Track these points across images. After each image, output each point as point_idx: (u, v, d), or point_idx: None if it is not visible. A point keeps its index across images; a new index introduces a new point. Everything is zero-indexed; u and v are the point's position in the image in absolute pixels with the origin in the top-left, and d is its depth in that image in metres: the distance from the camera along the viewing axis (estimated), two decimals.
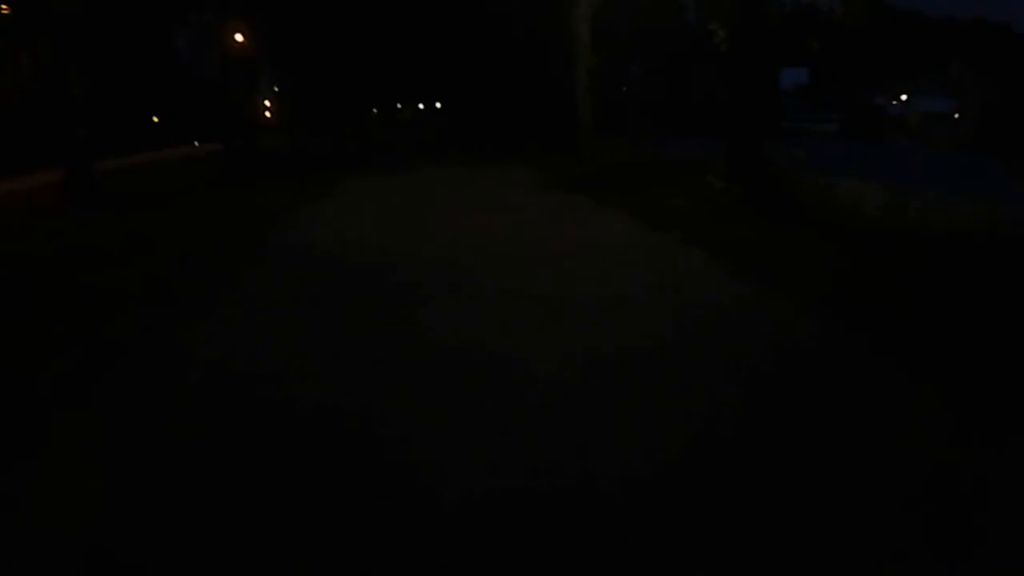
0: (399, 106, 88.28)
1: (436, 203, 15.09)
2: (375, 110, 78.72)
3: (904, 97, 67.69)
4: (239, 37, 36.27)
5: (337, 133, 59.15)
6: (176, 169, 29.99)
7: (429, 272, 8.36)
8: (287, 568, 3.00)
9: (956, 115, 59.83)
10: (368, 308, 6.98)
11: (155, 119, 70.79)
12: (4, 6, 30.19)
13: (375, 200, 16.15)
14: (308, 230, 12.19)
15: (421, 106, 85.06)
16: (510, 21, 30.24)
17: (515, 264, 8.60)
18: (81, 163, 18.24)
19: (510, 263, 8.66)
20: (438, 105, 74.66)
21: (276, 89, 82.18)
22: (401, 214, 13.70)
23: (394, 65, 54.26)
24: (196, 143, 72.15)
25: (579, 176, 17.42)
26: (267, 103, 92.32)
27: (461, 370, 5.18)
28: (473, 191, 16.69)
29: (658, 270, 8.00)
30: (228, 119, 31.13)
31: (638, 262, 8.47)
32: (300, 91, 66.68)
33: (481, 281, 7.78)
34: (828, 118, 58.42)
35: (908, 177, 17.16)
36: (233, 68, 31.61)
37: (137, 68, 54.66)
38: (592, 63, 21.62)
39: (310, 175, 22.69)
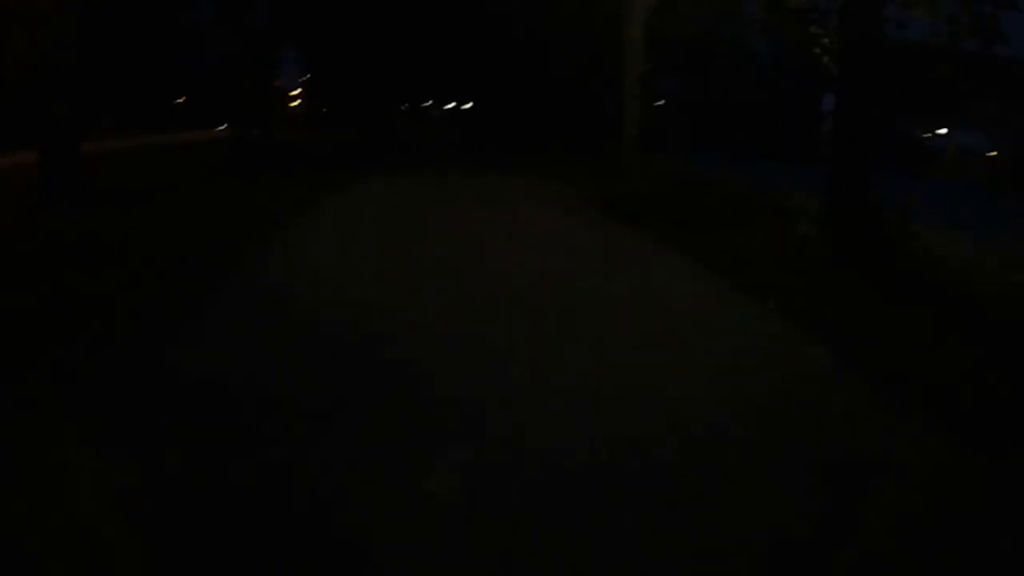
0: (428, 104, 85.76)
1: (455, 227, 12.29)
2: (404, 107, 76.36)
3: (943, 131, 64.76)
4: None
5: (363, 128, 56.84)
6: (181, 155, 27.67)
7: (442, 363, 5.46)
8: None
9: (993, 152, 57.17)
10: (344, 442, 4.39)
11: (179, 100, 67.85)
12: None
13: (381, 217, 13.58)
14: (290, 260, 9.71)
15: (451, 105, 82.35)
16: (550, 21, 27.61)
17: (571, 362, 5.52)
18: (61, 145, 15.59)
19: (564, 359, 5.61)
20: (468, 105, 72.11)
21: (304, 79, 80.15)
22: (410, 242, 10.96)
23: (425, 63, 51.71)
24: (224, 126, 69.72)
25: (623, 199, 14.69)
26: (293, 93, 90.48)
27: None
28: (501, 213, 14.14)
29: (775, 390, 5.23)
30: (241, 104, 28.59)
31: (739, 362, 5.70)
32: (328, 82, 64.37)
33: (523, 397, 4.86)
34: None
35: (986, 223, 14.65)
36: (251, 51, 29.09)
37: (158, 43, 51.97)
38: (644, 69, 19.04)
39: (319, 175, 20.27)
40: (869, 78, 9.41)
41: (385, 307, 6.94)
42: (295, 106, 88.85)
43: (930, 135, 65.98)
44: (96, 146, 30.91)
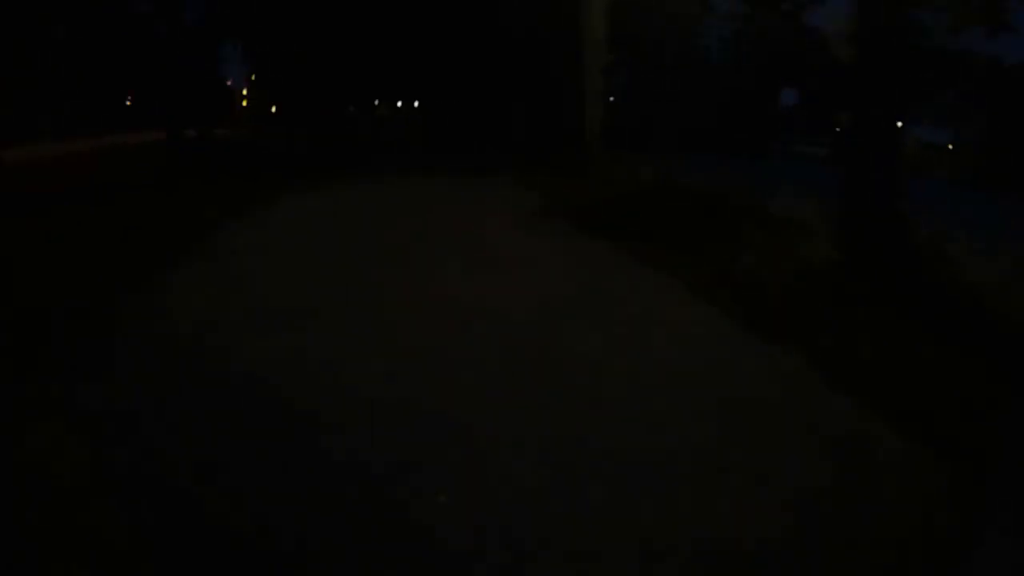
0: (377, 103, 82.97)
1: (401, 248, 10.11)
2: (352, 107, 73.69)
3: (899, 125, 63.60)
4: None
5: (312, 128, 54.45)
6: (118, 159, 25.41)
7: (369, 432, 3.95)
8: None
9: (950, 146, 56.44)
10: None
11: (127, 100, 64.36)
12: None
13: (318, 229, 11.67)
14: (202, 282, 7.74)
15: (399, 104, 79.61)
16: (506, 11, 25.67)
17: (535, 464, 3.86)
18: None
19: (531, 449, 4.00)
20: (416, 104, 69.74)
21: (253, 78, 77.38)
22: (343, 269, 8.91)
23: (375, 60, 49.32)
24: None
25: (589, 206, 12.95)
26: (244, 92, 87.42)
27: None
28: (453, 220, 12.34)
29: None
30: (175, 104, 26.33)
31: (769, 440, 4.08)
32: (277, 80, 61.70)
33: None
34: (818, 141, 54.62)
35: (997, 227, 13.22)
36: (187, 48, 26.90)
37: (96, 38, 48.88)
38: (605, 60, 17.30)
39: (258, 179, 18.30)
40: (893, 70, 7.75)
41: (308, 365, 5.13)
42: (245, 105, 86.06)
43: None
44: (28, 151, 28.65)
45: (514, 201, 14.62)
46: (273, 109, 77.19)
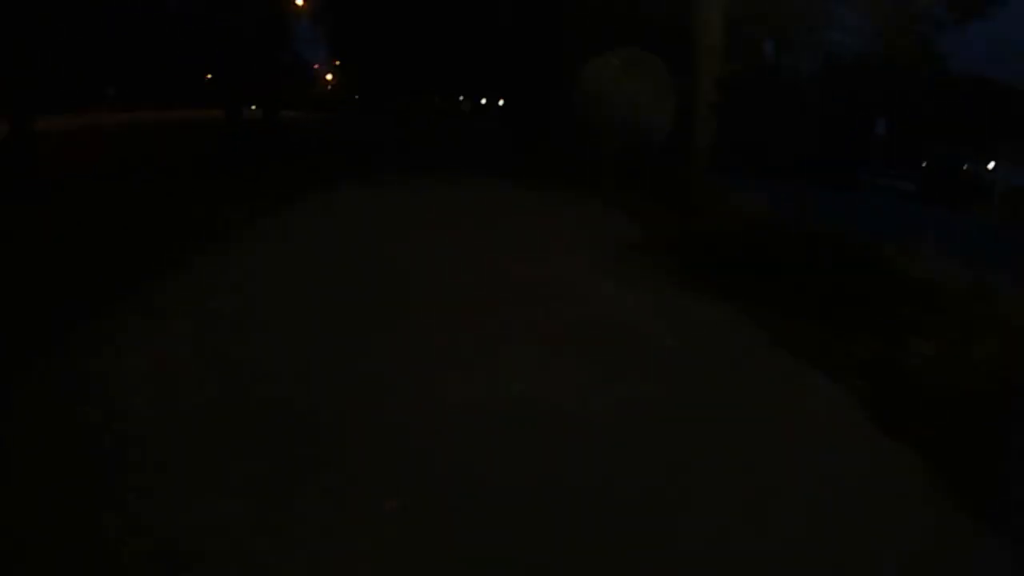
0: (461, 98, 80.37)
1: (444, 291, 7.33)
2: (437, 98, 71.21)
3: (991, 165, 58.03)
4: None
5: (390, 117, 52.31)
6: (160, 134, 23.51)
7: None
8: None
9: None
10: None
11: (208, 76, 62.51)
12: None
13: (360, 248, 9.15)
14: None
15: (484, 100, 76.72)
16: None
17: None
18: None
19: None
20: (501, 102, 66.99)
21: (337, 63, 75.73)
22: (389, 306, 6.51)
23: (463, 53, 46.52)
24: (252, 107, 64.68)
25: (699, 245, 9.88)
26: (329, 76, 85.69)
27: None
28: (520, 249, 9.58)
29: None
30: (238, 83, 24.13)
31: None
32: (359, 67, 59.58)
33: None
34: (905, 175, 50.09)
35: None
36: (253, 22, 24.65)
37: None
38: (724, 70, 14.33)
39: (313, 171, 15.97)
40: None
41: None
42: (329, 89, 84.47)
43: (986, 169, 59.74)
44: (89, 120, 26.84)
45: (601, 227, 11.69)
46: (356, 96, 75.60)
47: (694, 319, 6.90)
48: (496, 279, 7.80)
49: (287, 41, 35.87)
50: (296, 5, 42.63)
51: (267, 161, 17.63)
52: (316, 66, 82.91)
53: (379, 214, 11.41)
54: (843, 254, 9.03)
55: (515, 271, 8.20)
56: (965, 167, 51.40)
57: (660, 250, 9.94)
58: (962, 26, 28.25)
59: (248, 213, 10.12)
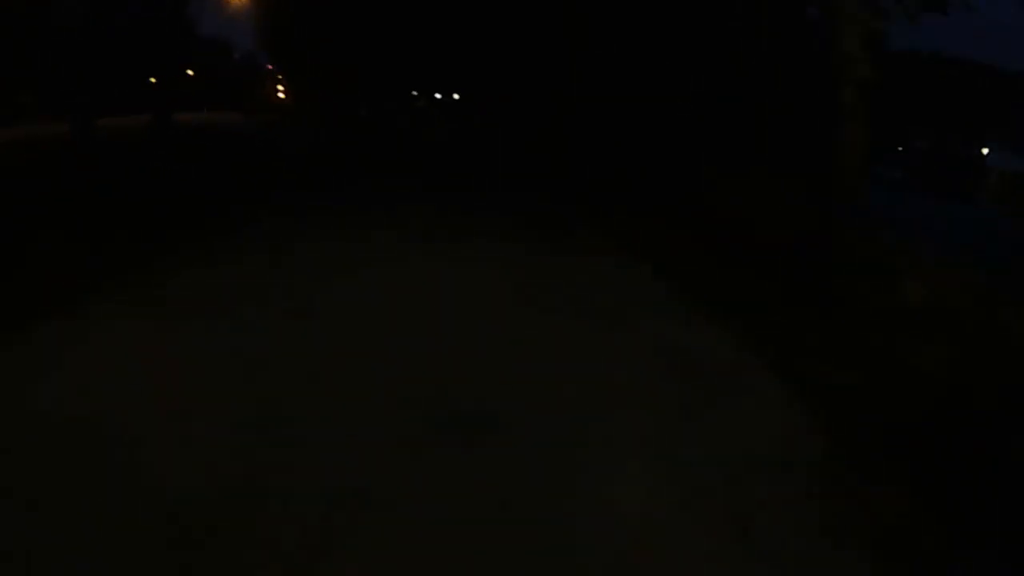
0: (415, 94, 73.14)
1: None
2: (389, 96, 64.38)
3: (985, 151, 53.96)
4: None
5: (337, 119, 45.89)
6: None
7: None
8: None
9: None
10: None
11: (152, 80, 55.35)
12: None
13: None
14: None
15: (438, 95, 68.93)
16: None
17: None
18: None
19: None
20: (456, 96, 60.17)
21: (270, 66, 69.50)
22: None
23: (416, 40, 39.41)
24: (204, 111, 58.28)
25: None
26: (280, 76, 78.68)
27: None
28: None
29: None
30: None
31: None
32: (301, 67, 52.96)
33: None
34: (892, 161, 45.57)
35: None
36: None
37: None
38: (863, 73, 8.79)
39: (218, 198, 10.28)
40: None
41: None
42: (281, 91, 77.74)
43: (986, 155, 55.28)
44: None
45: (709, 380, 5.95)
46: (294, 97, 68.80)
47: None
48: None
49: (183, 19, 28.53)
50: None
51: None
52: (269, 67, 75.72)
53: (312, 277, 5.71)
54: None
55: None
56: (973, 154, 46.74)
57: (887, 485, 4.27)
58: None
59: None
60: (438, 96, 68.06)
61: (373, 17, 35.91)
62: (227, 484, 3.68)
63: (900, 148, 51.63)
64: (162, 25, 25.00)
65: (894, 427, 4.93)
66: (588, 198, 16.39)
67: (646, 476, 4.08)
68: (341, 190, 15.81)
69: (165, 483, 3.65)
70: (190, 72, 60.37)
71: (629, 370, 5.72)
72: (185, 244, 9.20)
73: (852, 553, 3.50)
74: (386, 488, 3.76)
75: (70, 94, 19.85)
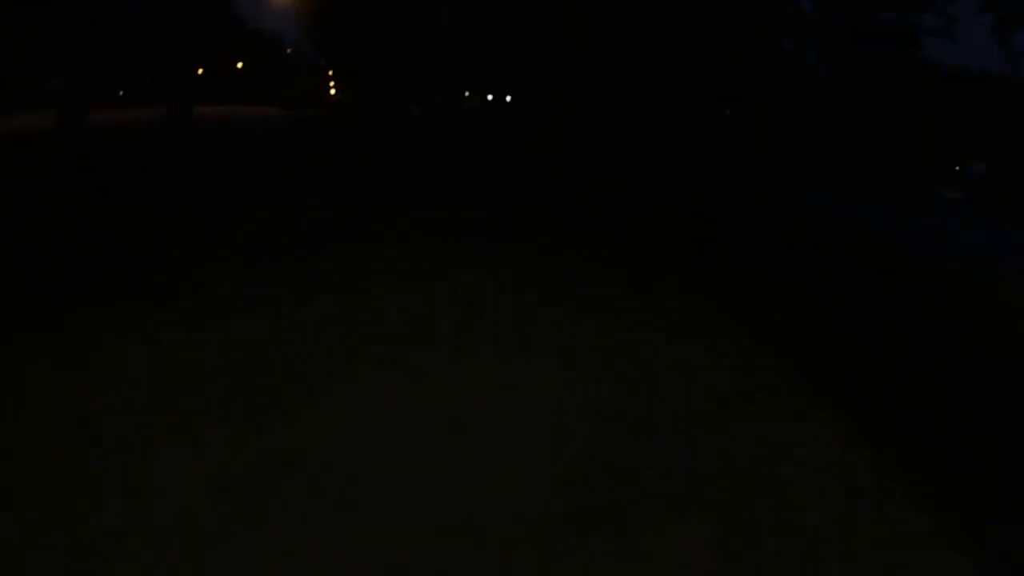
0: (467, 94, 71.12)
1: None
2: (439, 97, 62.73)
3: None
4: None
5: (376, 123, 44.30)
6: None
7: None
8: None
9: None
10: None
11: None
12: None
13: None
14: None
15: (490, 97, 66.47)
16: None
17: None
18: None
19: None
20: (508, 98, 58.27)
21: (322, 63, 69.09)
22: None
23: (468, 39, 37.12)
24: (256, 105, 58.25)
25: None
26: (331, 72, 78.16)
27: None
28: None
29: None
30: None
31: None
32: (352, 66, 51.84)
33: None
34: (945, 184, 42.31)
35: None
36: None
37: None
38: None
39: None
40: None
41: None
42: (331, 89, 77.41)
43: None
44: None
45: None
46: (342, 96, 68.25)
47: None
48: None
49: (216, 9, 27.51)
50: None
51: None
52: (323, 62, 75.16)
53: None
54: None
55: None
56: None
57: None
58: None
59: None
60: (490, 97, 66.62)
61: (375, 18, 34.76)
62: None
63: (957, 168, 49.01)
64: (183, 15, 23.93)
65: None
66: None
67: None
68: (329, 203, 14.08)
69: None
70: (239, 65, 60.39)
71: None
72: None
73: None
74: None
75: (63, 84, 18.80)
